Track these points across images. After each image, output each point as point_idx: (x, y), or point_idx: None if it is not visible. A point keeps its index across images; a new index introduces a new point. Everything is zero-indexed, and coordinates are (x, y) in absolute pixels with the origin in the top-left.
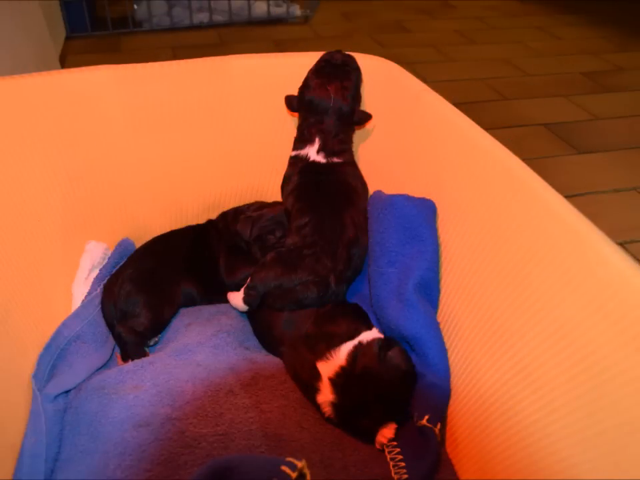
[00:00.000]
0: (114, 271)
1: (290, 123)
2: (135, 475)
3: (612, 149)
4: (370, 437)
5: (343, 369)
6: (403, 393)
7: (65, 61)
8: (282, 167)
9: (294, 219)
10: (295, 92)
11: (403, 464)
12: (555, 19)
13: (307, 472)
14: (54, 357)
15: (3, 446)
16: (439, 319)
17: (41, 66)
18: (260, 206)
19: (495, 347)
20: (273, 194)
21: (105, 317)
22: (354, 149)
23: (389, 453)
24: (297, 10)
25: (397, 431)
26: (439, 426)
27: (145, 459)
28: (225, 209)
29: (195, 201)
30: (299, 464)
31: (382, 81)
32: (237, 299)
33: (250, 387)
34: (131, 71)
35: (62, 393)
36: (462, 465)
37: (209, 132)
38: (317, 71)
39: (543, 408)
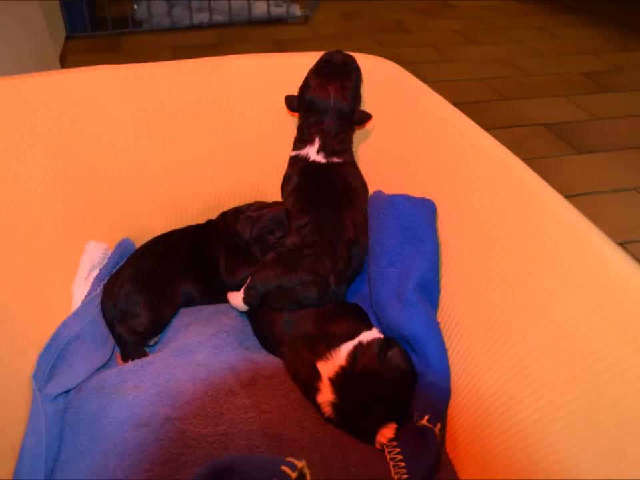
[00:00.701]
0: (114, 270)
1: (290, 123)
2: (135, 475)
3: (612, 148)
4: (370, 437)
5: (343, 369)
6: (403, 393)
7: (65, 61)
8: (282, 167)
9: (294, 219)
10: (295, 92)
11: (403, 464)
12: (555, 19)
13: (307, 472)
14: (54, 357)
15: (3, 446)
16: (439, 318)
17: (41, 66)
18: (260, 206)
19: (495, 346)
20: (273, 194)
21: (104, 317)
22: (354, 149)
23: (389, 453)
24: (297, 10)
25: (397, 430)
26: (438, 426)
27: (145, 459)
28: (225, 208)
29: (195, 201)
30: (299, 464)
31: (382, 81)
32: (237, 299)
33: (250, 387)
34: (131, 71)
35: (62, 393)
36: (462, 465)
37: (209, 132)
38: (317, 71)
39: (543, 408)
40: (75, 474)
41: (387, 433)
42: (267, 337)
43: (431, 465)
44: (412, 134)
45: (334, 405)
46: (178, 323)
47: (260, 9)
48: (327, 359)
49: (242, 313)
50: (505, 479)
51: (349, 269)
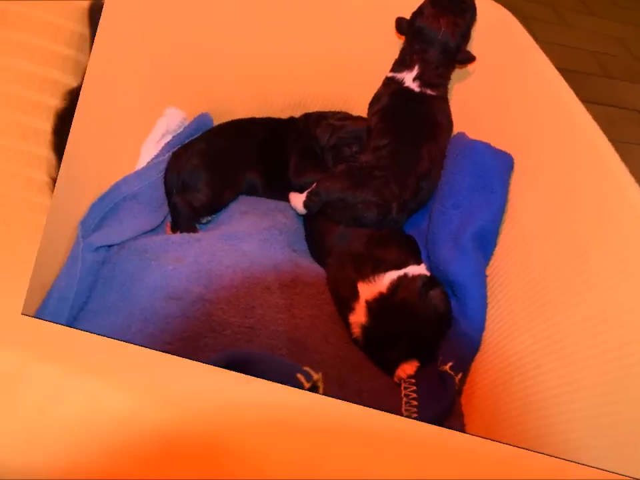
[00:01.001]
0: (186, 141)
1: (394, 45)
2: (154, 344)
3: None
4: (390, 369)
5: (382, 295)
6: (435, 334)
7: None
8: (375, 85)
9: (373, 139)
10: (408, 15)
11: (415, 402)
12: None
13: (321, 385)
14: (106, 209)
15: (34, 281)
16: (488, 272)
17: None
18: (344, 116)
19: (535, 313)
20: (360, 108)
21: (165, 184)
22: (449, 87)
23: (405, 389)
24: None
25: (418, 369)
26: (460, 375)
27: (167, 331)
28: (310, 110)
29: (282, 96)
30: (315, 376)
31: (494, 27)
32: (298, 200)
33: (288, 288)
34: None
35: (104, 247)
36: (472, 419)
37: (314, 31)
38: (434, 1)
39: (566, 385)
40: (97, 327)
41: (407, 368)
42: (317, 245)
43: (442, 410)
44: (509, 87)
45: (364, 328)
46: (234, 209)
47: None
48: (370, 282)
49: (299, 215)
50: (509, 443)
51: (413, 201)
